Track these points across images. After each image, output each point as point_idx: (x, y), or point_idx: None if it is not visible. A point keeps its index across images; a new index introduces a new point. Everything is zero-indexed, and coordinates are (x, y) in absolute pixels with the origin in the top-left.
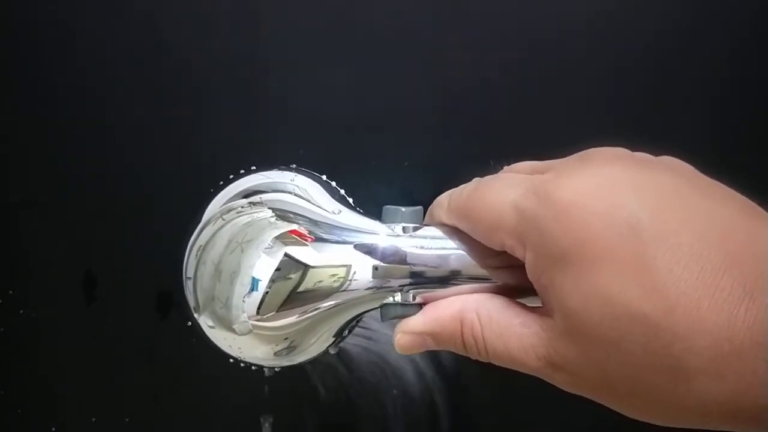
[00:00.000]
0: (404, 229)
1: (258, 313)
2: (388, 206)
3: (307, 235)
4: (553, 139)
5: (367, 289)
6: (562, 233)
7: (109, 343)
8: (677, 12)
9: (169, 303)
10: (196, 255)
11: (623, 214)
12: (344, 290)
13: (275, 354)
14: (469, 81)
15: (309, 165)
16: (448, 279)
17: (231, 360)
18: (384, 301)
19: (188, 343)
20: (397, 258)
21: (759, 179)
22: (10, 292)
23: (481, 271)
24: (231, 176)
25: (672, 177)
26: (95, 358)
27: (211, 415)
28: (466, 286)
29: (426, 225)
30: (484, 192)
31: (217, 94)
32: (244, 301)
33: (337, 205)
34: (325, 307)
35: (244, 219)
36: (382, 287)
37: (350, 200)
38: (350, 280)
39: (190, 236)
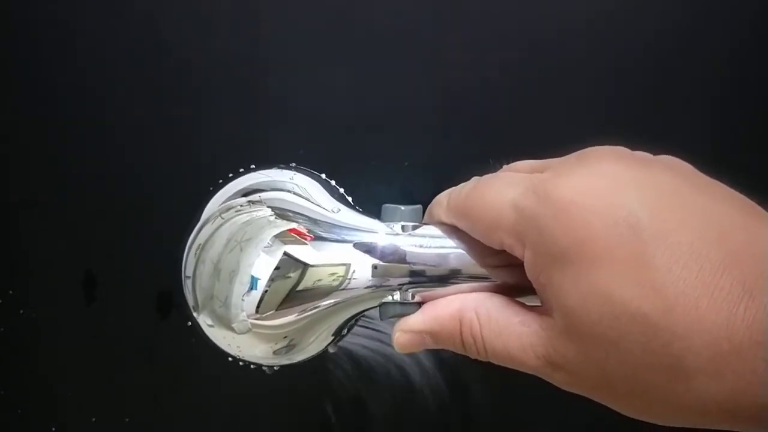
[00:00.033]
0: (403, 228)
1: (257, 311)
2: (388, 205)
3: (307, 234)
4: (553, 139)
5: (366, 287)
6: (562, 232)
7: (109, 343)
8: (677, 12)
9: (169, 303)
10: (195, 254)
11: (623, 213)
12: (343, 289)
13: (274, 353)
14: (469, 81)
15: (309, 165)
16: (447, 278)
17: (230, 359)
18: (383, 300)
19: (188, 343)
20: (397, 257)
21: (759, 179)
22: (10, 292)
23: (481, 270)
24: (230, 175)
25: (671, 176)
26: (95, 358)
27: (211, 415)
28: (465, 285)
29: (425, 224)
30: (484, 191)
31: (217, 94)
32: (243, 299)
33: (336, 204)
34: (324, 305)
35: (243, 218)
36: (381, 286)
37: (349, 199)
38: (349, 278)
39: (190, 235)
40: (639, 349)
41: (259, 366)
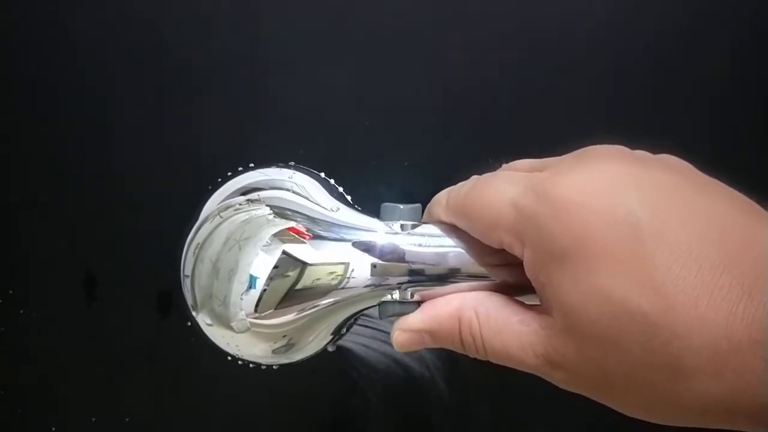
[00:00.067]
0: (402, 227)
1: (256, 310)
2: (387, 204)
3: (305, 233)
4: (553, 139)
5: (365, 286)
6: (561, 231)
7: (109, 343)
8: (677, 12)
9: (169, 303)
10: (194, 253)
11: (622, 212)
12: (342, 288)
13: (273, 352)
14: (469, 81)
15: (309, 165)
16: (446, 277)
17: (229, 358)
18: (382, 299)
19: (188, 343)
20: (396, 256)
21: (759, 179)
22: (10, 292)
23: (480, 269)
24: (229, 173)
25: (671, 175)
26: (95, 358)
27: (210, 415)
28: (464, 284)
29: (424, 223)
30: (483, 190)
31: (217, 94)
32: (242, 298)
33: (335, 203)
34: (323, 304)
35: (242, 216)
36: (380, 285)
37: (348, 198)
38: (348, 277)
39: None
40: (638, 348)
41: (258, 365)
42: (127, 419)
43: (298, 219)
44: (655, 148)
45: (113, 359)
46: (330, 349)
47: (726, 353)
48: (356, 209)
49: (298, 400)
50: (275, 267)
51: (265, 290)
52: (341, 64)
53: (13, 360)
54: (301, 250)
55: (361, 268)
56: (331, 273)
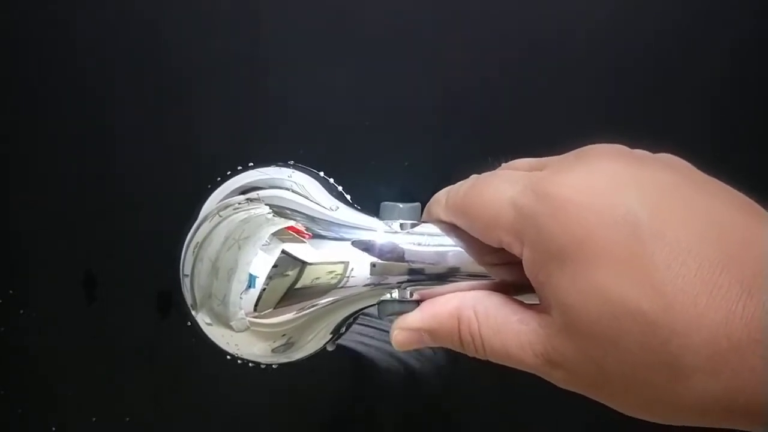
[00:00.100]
0: (402, 226)
1: (255, 309)
2: (386, 203)
3: (305, 232)
4: (553, 139)
5: (364, 285)
6: (560, 230)
7: (109, 343)
8: (677, 12)
9: (169, 303)
10: (194, 252)
11: (621, 212)
12: (342, 287)
13: (273, 351)
14: (469, 81)
15: (309, 165)
16: (445, 276)
17: (228, 357)
18: (381, 298)
19: (188, 342)
20: (395, 255)
21: (759, 179)
22: (10, 292)
23: (479, 268)
24: (228, 173)
25: (670, 174)
26: (95, 358)
27: (211, 415)
28: (463, 283)
29: (424, 222)
30: (482, 189)
31: (217, 94)
32: (241, 297)
33: (334, 202)
34: (322, 303)
35: (241, 216)
36: (379, 284)
37: (348, 197)
38: (348, 276)
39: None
40: (638, 348)
41: (257, 364)
42: (127, 419)
43: (298, 218)
44: (655, 148)
45: (113, 359)
46: (329, 348)
47: (725, 352)
48: (356, 208)
49: (298, 399)
50: (274, 266)
51: (264, 289)
52: (341, 64)
53: (13, 360)
54: (300, 249)
55: (361, 267)
56: (331, 272)
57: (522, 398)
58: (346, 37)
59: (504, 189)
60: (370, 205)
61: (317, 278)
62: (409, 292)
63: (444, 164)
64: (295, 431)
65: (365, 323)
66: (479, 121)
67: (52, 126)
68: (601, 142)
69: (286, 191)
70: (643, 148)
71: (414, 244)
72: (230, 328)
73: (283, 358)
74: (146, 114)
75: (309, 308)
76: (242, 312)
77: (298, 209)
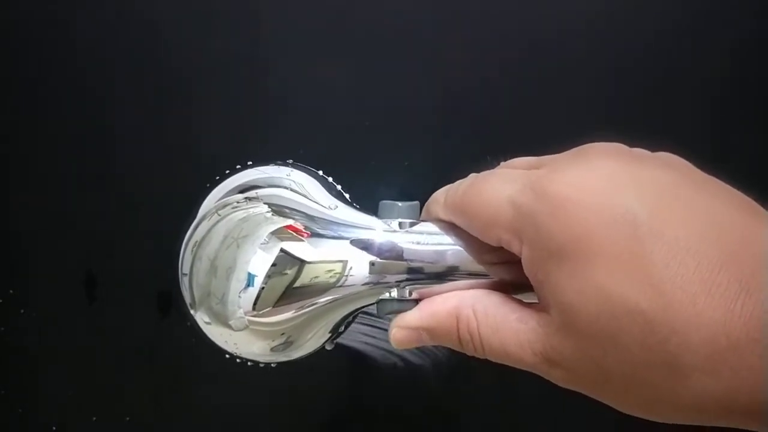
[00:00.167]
0: (401, 225)
1: (254, 308)
2: (385, 201)
3: (303, 231)
4: (553, 139)
5: (363, 284)
6: (558, 229)
7: (109, 343)
8: (677, 12)
9: (169, 302)
10: (192, 251)
11: (620, 210)
12: (341, 286)
13: (272, 350)
14: (469, 81)
15: (309, 165)
16: (444, 274)
17: (227, 356)
18: (380, 297)
19: (188, 342)
20: (394, 254)
21: (759, 179)
22: (11, 291)
23: (478, 267)
24: (227, 171)
25: (670, 173)
26: (95, 358)
27: (210, 415)
28: (462, 282)
29: (422, 221)
30: (481, 188)
31: (217, 94)
32: (240, 296)
33: (333, 201)
34: (321, 302)
35: (240, 214)
36: (378, 283)
37: (347, 196)
38: (346, 275)
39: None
40: (636, 346)
41: (256, 363)
42: (127, 419)
43: (297, 217)
44: (655, 148)
45: (113, 359)
46: (328, 347)
47: (724, 350)
48: (354, 207)
49: (297, 398)
50: (273, 265)
51: (263, 288)
52: (341, 64)
53: (13, 360)
54: (299, 248)
55: (360, 266)
56: (330, 271)
57: (522, 398)
58: (346, 37)
59: (503, 187)
60: (369, 205)
61: (316, 277)
62: (408, 291)
63: (444, 164)
64: (295, 430)
65: (364, 322)
66: (479, 121)
67: (52, 126)
68: (600, 142)
69: (285, 190)
70: (643, 148)
71: (413, 242)
72: (229, 327)
73: (282, 357)
74: (146, 114)
75: (308, 307)
76: (241, 311)
77: (296, 208)
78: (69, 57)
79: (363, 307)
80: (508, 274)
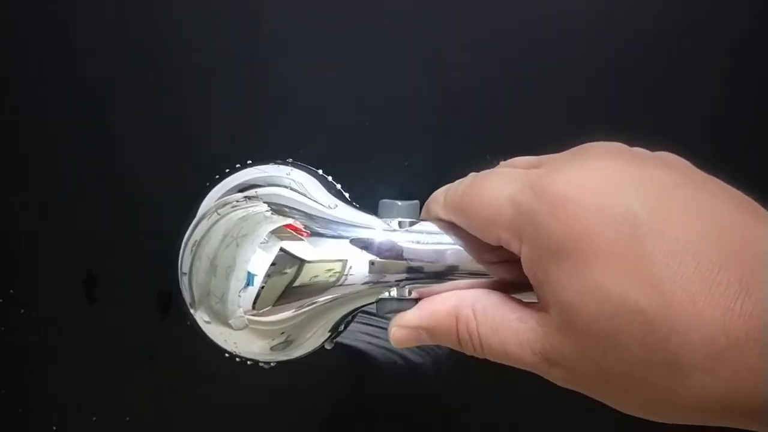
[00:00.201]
0: (400, 224)
1: (254, 307)
2: (385, 200)
3: (303, 230)
4: (553, 139)
5: (363, 284)
6: (558, 228)
7: (109, 343)
8: (677, 12)
9: (169, 302)
10: (192, 250)
11: (620, 210)
12: (340, 285)
13: (271, 349)
14: (469, 81)
15: (309, 164)
16: (444, 274)
17: (227, 355)
18: (380, 296)
19: (189, 342)
20: (394, 253)
21: (759, 179)
22: (11, 291)
23: (478, 267)
24: (227, 170)
25: (669, 172)
26: (95, 358)
27: (210, 414)
28: (462, 282)
29: (422, 220)
30: (480, 187)
31: (217, 94)
32: (239, 296)
33: (333, 200)
34: (321, 301)
35: (240, 213)
36: (378, 282)
37: (346, 195)
38: (346, 274)
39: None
40: (636, 346)
41: (256, 362)
42: (127, 419)
43: (296, 216)
44: (655, 147)
45: (113, 359)
46: (328, 346)
47: (723, 350)
48: (354, 206)
49: (297, 397)
50: (273, 264)
51: (262, 287)
52: (341, 64)
53: (13, 360)
54: (298, 247)
55: (359, 266)
56: (329, 270)
57: (521, 397)
58: (346, 37)
59: (502, 187)
60: (369, 204)
61: (316, 276)
62: (407, 290)
63: (444, 164)
64: (295, 429)
65: (364, 321)
66: (479, 121)
67: (52, 126)
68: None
69: (285, 189)
70: (643, 148)
71: (412, 242)
72: (229, 326)
73: (282, 356)
74: (146, 114)
75: (307, 306)
76: (241, 310)
77: (296, 207)
78: (69, 57)
79: (363, 306)
80: (508, 273)
